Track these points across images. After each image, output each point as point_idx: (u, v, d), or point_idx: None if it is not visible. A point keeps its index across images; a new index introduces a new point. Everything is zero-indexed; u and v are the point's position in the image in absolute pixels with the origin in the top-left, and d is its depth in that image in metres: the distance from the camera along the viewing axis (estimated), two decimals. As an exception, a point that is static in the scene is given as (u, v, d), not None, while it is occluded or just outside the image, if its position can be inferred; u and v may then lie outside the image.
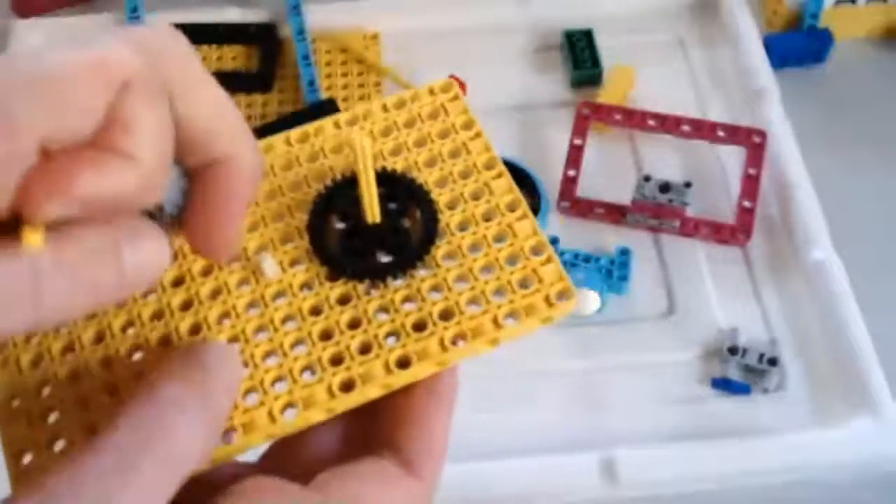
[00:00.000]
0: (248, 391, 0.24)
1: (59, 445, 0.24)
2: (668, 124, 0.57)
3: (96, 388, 0.24)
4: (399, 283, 0.26)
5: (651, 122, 0.57)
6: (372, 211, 0.26)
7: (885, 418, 0.45)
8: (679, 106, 0.59)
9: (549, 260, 0.26)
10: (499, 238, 0.26)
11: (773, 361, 0.48)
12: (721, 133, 0.56)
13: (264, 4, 0.65)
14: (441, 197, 0.27)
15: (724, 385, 0.48)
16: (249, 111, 0.61)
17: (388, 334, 0.25)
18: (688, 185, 0.53)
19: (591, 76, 0.61)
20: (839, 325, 0.49)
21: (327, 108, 0.59)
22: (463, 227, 0.27)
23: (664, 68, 0.62)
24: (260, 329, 0.25)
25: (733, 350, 0.49)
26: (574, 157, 0.56)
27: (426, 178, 0.27)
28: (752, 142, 0.55)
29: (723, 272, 0.53)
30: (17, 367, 0.25)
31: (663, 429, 0.47)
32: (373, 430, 0.26)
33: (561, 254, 0.52)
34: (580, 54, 0.62)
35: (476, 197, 0.27)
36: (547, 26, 0.63)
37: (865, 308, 0.49)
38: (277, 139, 0.28)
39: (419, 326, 0.25)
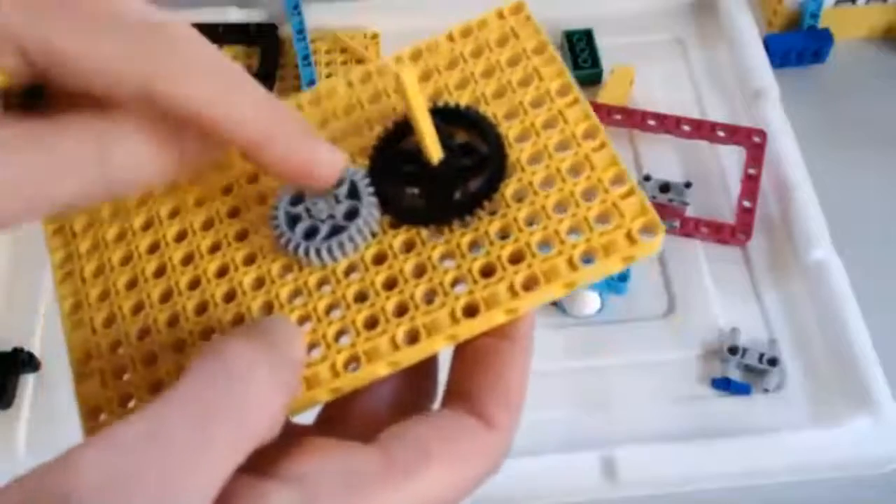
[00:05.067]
0: (312, 345, 0.23)
1: (132, 404, 0.24)
2: (668, 124, 0.57)
3: (164, 345, 0.24)
4: (464, 226, 0.24)
5: (651, 122, 0.57)
6: (431, 150, 0.24)
7: (885, 418, 0.45)
8: (679, 106, 0.59)
9: (630, 192, 0.23)
10: (574, 171, 0.24)
11: (773, 361, 0.48)
12: (721, 133, 0.56)
13: (264, 4, 0.65)
14: (511, 130, 0.25)
15: (724, 385, 0.48)
16: (249, 111, 0.61)
17: (455, 281, 0.23)
18: (688, 185, 0.53)
19: (591, 76, 0.61)
20: (839, 325, 0.49)
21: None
22: (534, 160, 0.24)
23: (664, 68, 0.62)
24: (322, 282, 0.24)
25: (733, 350, 0.49)
26: (574, 157, 0.56)
27: (495, 110, 0.25)
28: (752, 142, 0.55)
29: (723, 272, 0.53)
30: (91, 328, 0.25)
31: (663, 428, 0.47)
32: (428, 387, 0.25)
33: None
34: (580, 54, 0.62)
35: (549, 127, 0.25)
36: (547, 26, 0.62)
37: (865, 308, 0.49)
38: (339, 82, 0.27)
39: (487, 272, 0.23)
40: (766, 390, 0.48)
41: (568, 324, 0.51)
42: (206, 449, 0.18)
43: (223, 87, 0.21)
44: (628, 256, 0.23)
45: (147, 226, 0.26)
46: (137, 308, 0.25)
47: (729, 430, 0.47)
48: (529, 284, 0.23)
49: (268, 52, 0.63)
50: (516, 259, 0.23)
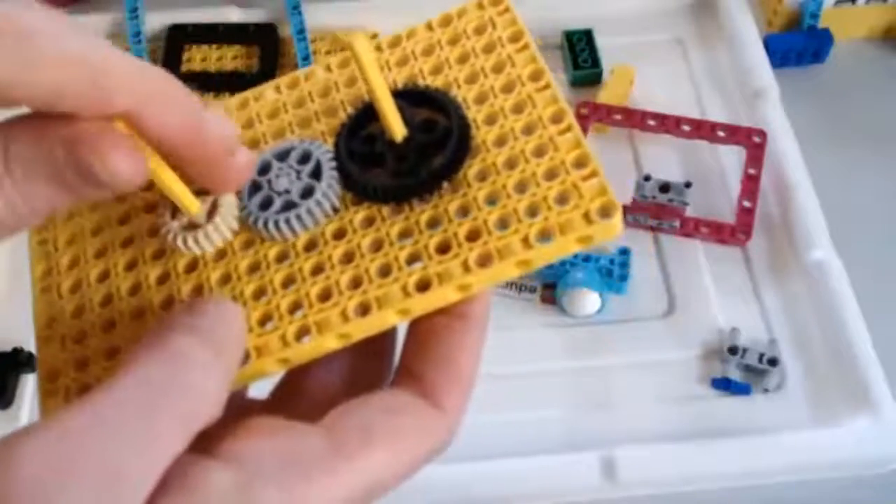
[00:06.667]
0: (266, 318, 0.23)
1: (90, 369, 0.24)
2: (667, 124, 0.57)
3: (124, 312, 0.25)
4: (425, 204, 0.24)
5: (651, 122, 0.57)
6: (393, 126, 0.24)
7: (885, 418, 0.45)
8: (679, 106, 0.59)
9: (592, 174, 0.23)
10: (538, 152, 0.24)
11: (773, 361, 0.48)
12: (721, 133, 0.56)
13: (264, 4, 0.65)
14: (479, 113, 0.25)
15: (724, 385, 0.48)
16: (249, 111, 0.61)
17: (411, 257, 0.23)
18: (688, 185, 0.53)
19: (591, 76, 0.61)
20: (839, 325, 0.49)
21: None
22: (500, 142, 0.24)
23: (664, 68, 0.62)
24: (282, 256, 0.24)
25: (733, 350, 0.49)
26: (574, 157, 0.56)
27: (465, 94, 0.26)
28: (752, 142, 0.55)
29: (723, 272, 0.53)
30: (57, 294, 0.26)
31: (663, 428, 0.47)
32: (382, 367, 0.25)
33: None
34: (580, 54, 0.62)
35: (517, 111, 0.25)
36: (547, 26, 0.63)
37: (865, 308, 0.49)
38: (318, 67, 0.27)
39: (443, 249, 0.23)
40: (766, 390, 0.48)
41: (568, 324, 0.51)
42: (149, 435, 0.18)
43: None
44: (585, 237, 0.23)
45: (122, 197, 0.27)
46: (103, 276, 0.26)
47: (729, 430, 0.47)
48: (483, 261, 0.23)
49: (267, 52, 0.63)
50: (473, 237, 0.23)
